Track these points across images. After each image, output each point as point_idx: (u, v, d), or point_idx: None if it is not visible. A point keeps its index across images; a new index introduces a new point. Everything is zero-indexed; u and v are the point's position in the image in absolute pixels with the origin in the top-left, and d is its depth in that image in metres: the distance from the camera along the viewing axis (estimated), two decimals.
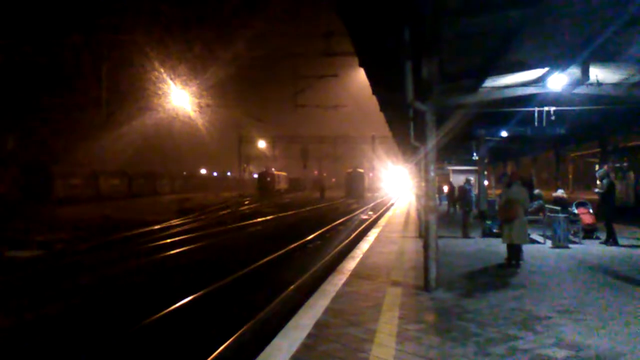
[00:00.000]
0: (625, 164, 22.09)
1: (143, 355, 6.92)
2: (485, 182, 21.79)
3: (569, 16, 7.84)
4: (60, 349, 7.14)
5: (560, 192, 15.64)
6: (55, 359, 6.89)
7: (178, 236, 19.48)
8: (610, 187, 13.09)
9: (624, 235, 13.85)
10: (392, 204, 35.33)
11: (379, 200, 49.37)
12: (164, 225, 24.37)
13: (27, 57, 30.89)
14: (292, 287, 10.19)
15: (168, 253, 15.50)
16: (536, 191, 15.99)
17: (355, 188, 63.09)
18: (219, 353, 6.49)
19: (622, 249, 12.33)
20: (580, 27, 8.34)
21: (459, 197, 16.97)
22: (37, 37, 30.64)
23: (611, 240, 12.81)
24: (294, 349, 5.28)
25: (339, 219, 26.71)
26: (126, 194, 50.76)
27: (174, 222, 26.37)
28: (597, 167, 23.55)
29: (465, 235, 14.96)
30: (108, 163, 50.55)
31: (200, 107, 40.98)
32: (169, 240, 18.20)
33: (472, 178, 17.12)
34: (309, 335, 5.71)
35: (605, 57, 9.79)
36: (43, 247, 16.71)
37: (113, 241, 18.38)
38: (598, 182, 13.38)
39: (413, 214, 23.47)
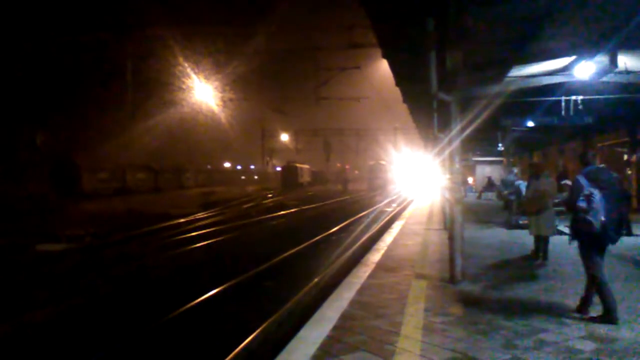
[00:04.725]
0: None
1: (172, 341, 7.06)
2: None
3: (597, 2, 7.66)
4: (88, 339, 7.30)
5: None
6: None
7: (204, 229, 19.67)
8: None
9: None
10: (412, 200, 35.11)
11: (400, 193, 49.11)
12: (189, 218, 24.62)
13: (54, 53, 31.38)
14: (316, 279, 10.23)
15: (195, 245, 15.67)
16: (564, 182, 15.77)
17: (377, 180, 62.81)
18: (246, 345, 6.55)
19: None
20: (609, 14, 8.15)
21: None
22: (63, 33, 31.08)
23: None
24: (320, 340, 5.31)
25: (362, 212, 26.68)
26: (152, 188, 51.28)
27: (200, 215, 26.62)
28: (625, 156, 23.04)
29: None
30: (134, 157, 51.14)
31: (223, 101, 41.28)
32: (195, 233, 18.39)
33: (515, 169, 17.18)
34: (335, 327, 5.73)
35: (634, 45, 9.55)
36: (72, 241, 17.01)
37: (141, 234, 18.65)
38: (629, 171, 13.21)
39: (437, 206, 23.33)
